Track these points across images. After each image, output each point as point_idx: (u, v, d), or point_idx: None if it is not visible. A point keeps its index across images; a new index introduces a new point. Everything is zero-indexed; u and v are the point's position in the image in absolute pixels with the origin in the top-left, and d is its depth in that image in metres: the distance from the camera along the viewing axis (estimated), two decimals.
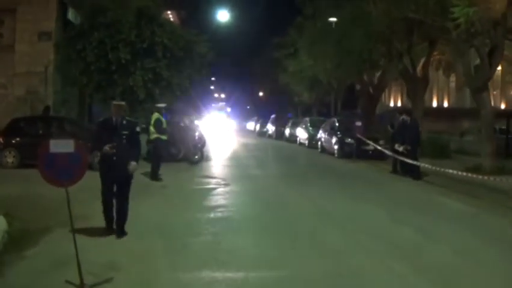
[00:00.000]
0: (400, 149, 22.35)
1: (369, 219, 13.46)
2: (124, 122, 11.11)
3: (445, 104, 57.89)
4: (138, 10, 27.77)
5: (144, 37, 27.18)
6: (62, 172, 8.31)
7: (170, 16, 42.61)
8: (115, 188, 11.07)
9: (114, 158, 10.74)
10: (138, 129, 11.52)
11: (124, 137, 10.92)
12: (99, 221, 11.18)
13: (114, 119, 11.06)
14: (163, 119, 20.93)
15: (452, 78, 52.56)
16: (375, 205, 15.43)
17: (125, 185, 11.10)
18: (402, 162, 22.42)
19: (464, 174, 19.11)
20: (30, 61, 29.21)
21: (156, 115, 20.70)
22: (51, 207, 12.62)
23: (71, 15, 31.11)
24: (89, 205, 12.44)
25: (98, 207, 11.09)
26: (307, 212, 14.47)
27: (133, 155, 11.08)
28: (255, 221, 13.17)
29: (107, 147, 10.63)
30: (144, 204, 13.94)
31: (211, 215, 13.66)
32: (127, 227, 10.95)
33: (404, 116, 23.13)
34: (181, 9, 50.62)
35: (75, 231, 8.37)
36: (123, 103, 11.44)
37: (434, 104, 58.18)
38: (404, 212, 14.57)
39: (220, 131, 44.83)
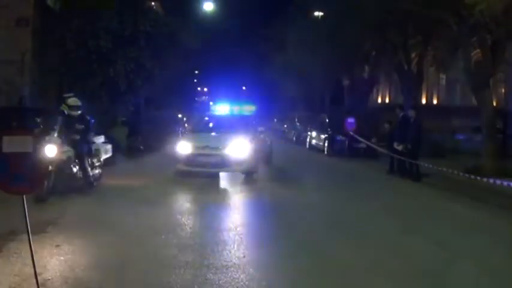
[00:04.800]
0: (400, 148, 21.02)
1: (377, 228, 12.06)
2: None
3: (434, 101, 56.99)
4: None
5: (126, 24, 25.97)
6: (18, 176, 6.75)
7: (154, 6, 41.36)
8: None
9: None
10: None
11: None
12: (73, 226, 9.80)
13: None
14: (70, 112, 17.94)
15: (442, 75, 51.69)
16: (379, 211, 14.30)
17: None
18: (400, 162, 21.23)
19: (467, 175, 17.97)
20: (7, 49, 27.69)
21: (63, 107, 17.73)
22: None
23: (49, 1, 29.71)
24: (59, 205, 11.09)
25: (72, 208, 9.62)
26: (306, 218, 13.12)
27: None
28: (255, 231, 11.89)
29: None
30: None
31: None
32: None
33: (409, 112, 21.65)
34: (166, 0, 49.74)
35: (33, 252, 6.91)
36: None
37: (424, 101, 57.22)
38: (413, 219, 13.34)
39: None
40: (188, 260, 8.92)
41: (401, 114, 22.05)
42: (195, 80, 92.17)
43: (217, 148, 19.05)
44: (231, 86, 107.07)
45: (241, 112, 26.07)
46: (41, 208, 12.17)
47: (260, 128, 22.21)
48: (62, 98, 17.16)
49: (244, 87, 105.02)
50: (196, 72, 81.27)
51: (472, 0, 17.24)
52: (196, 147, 19.16)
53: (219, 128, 22.12)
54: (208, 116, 25.84)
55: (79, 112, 15.13)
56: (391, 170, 22.28)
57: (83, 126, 14.99)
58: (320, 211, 14.16)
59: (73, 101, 15.22)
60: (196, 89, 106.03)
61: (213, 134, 21.46)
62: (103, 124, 25.87)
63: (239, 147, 18.99)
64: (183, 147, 19.33)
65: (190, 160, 19.02)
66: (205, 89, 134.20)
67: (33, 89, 28.19)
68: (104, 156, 16.61)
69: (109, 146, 17.40)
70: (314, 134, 34.54)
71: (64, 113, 15.03)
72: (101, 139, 16.70)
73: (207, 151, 19.00)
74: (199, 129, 22.45)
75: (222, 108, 28.50)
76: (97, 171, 15.70)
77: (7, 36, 27.84)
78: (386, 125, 23.98)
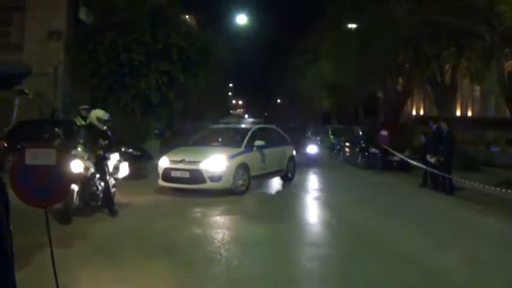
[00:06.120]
0: (432, 160, 20.68)
1: (407, 243, 11.84)
2: None
3: (469, 113, 56.35)
4: (153, 9, 26.67)
5: (159, 38, 26.12)
6: (41, 189, 6.65)
7: (188, 19, 41.48)
8: None
9: None
10: None
11: None
12: (100, 241, 9.78)
13: None
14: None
15: (477, 86, 51.12)
16: (411, 225, 13.97)
17: None
18: (433, 175, 20.88)
19: (498, 189, 17.60)
20: (39, 61, 27.94)
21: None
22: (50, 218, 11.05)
23: (82, 14, 30.02)
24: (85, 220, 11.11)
25: (98, 224, 9.60)
26: (336, 232, 13.10)
27: None
28: (276, 241, 11.69)
29: None
30: None
31: None
32: None
33: (441, 125, 21.31)
34: (200, 13, 49.93)
35: (55, 265, 6.84)
36: None
37: (458, 113, 56.60)
38: (445, 234, 13.01)
39: None
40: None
41: (434, 126, 21.71)
42: (230, 93, 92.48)
43: (192, 162, 17.97)
44: (263, 99, 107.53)
45: (241, 124, 23.72)
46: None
47: (258, 142, 20.02)
48: (78, 110, 17.33)
49: (279, 100, 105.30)
50: (230, 85, 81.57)
51: (502, 8, 17.05)
52: (172, 161, 18.32)
53: (214, 141, 21.10)
54: (210, 129, 24.05)
55: (105, 127, 14.43)
56: (424, 183, 21.87)
57: (106, 142, 14.32)
58: (349, 224, 14.04)
59: (102, 113, 14.51)
60: (232, 101, 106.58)
61: (197, 147, 20.10)
62: (136, 137, 25.94)
63: (215, 162, 17.83)
64: (162, 160, 18.64)
65: (166, 175, 18.25)
66: (240, 102, 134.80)
67: (65, 102, 28.40)
68: (120, 175, 16.11)
69: (125, 164, 16.77)
70: (348, 146, 34.27)
71: (77, 124, 14.80)
72: (116, 157, 16.18)
73: (181, 165, 18.03)
74: (193, 142, 21.34)
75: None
76: (113, 190, 15.33)
77: (40, 49, 28.21)
78: (423, 138, 23.58)
